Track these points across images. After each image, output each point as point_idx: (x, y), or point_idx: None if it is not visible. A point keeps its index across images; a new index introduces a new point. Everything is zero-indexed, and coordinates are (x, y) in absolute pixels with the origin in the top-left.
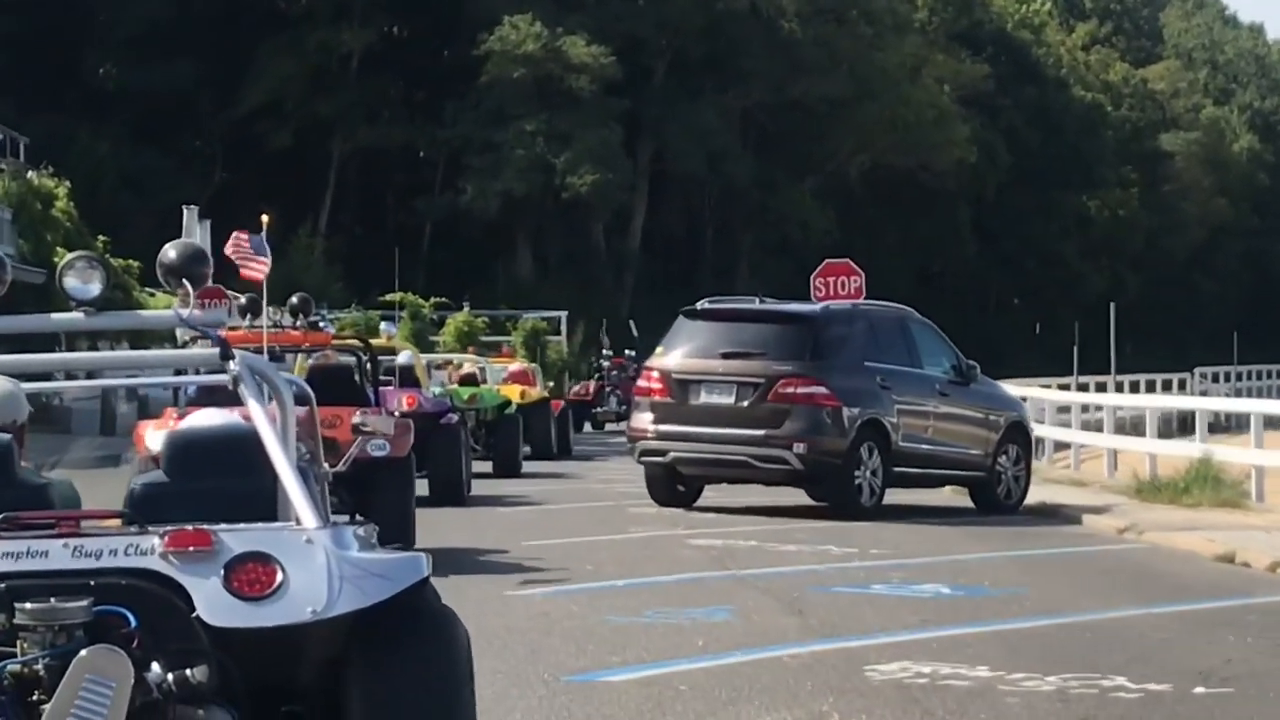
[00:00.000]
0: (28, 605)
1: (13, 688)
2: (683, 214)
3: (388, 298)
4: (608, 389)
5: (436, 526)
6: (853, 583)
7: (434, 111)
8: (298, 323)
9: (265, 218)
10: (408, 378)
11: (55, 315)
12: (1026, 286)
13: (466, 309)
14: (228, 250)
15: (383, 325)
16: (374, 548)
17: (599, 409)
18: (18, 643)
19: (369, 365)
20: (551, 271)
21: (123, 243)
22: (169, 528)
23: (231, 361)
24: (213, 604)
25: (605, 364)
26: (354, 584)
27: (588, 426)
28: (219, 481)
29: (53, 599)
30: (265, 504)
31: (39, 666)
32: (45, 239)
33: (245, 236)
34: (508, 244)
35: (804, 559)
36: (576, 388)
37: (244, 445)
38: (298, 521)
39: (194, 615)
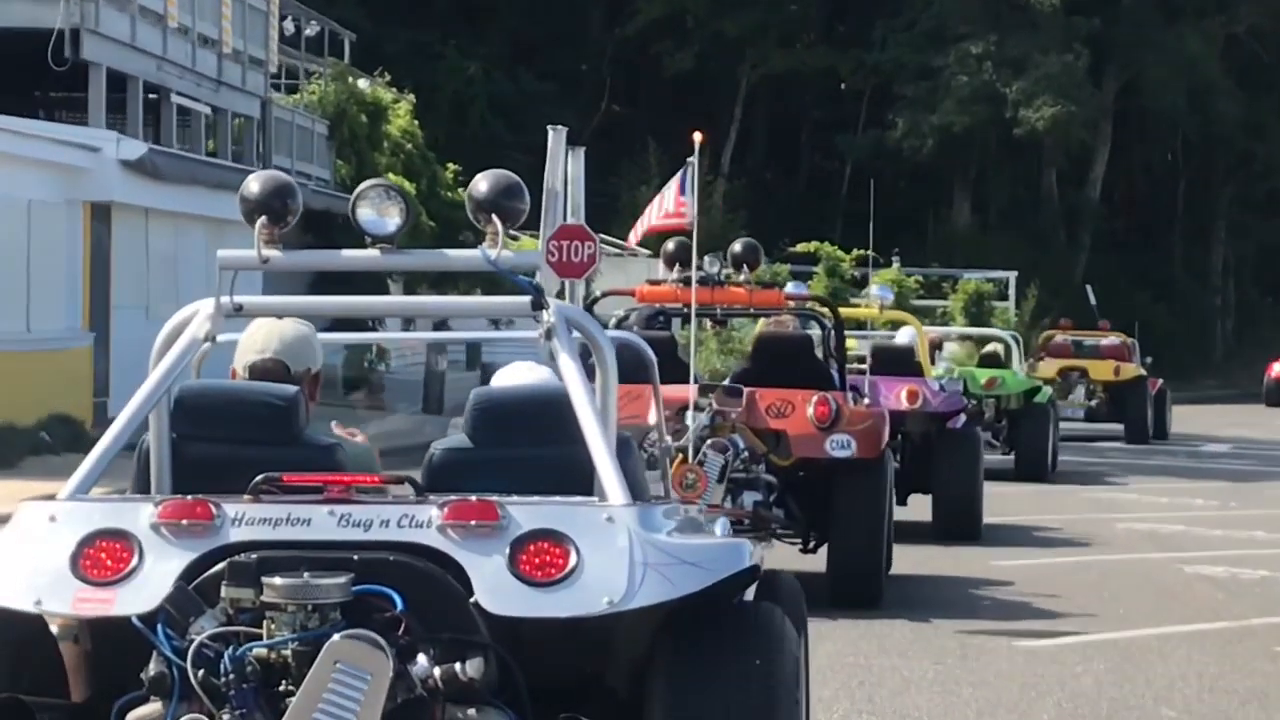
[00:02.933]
0: (277, 580)
1: (258, 675)
2: (1146, 161)
3: (799, 248)
4: None
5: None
6: None
7: (860, 33)
8: (743, 276)
9: (698, 136)
10: (906, 363)
11: (346, 252)
12: None
13: (896, 265)
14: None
15: (874, 290)
16: (696, 531)
17: None
18: (264, 623)
19: (834, 338)
20: (992, 224)
21: None
22: (450, 497)
23: (544, 312)
24: (494, 588)
25: None
26: (660, 572)
27: None
28: (529, 450)
29: (306, 574)
30: (582, 478)
31: (287, 651)
32: (373, 161)
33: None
34: (943, 190)
35: None
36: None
37: (559, 409)
38: (602, 497)
39: (471, 600)
